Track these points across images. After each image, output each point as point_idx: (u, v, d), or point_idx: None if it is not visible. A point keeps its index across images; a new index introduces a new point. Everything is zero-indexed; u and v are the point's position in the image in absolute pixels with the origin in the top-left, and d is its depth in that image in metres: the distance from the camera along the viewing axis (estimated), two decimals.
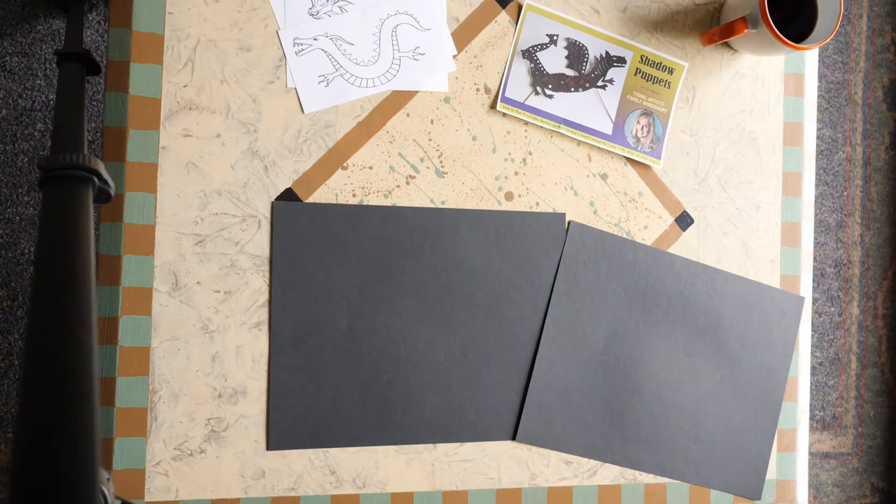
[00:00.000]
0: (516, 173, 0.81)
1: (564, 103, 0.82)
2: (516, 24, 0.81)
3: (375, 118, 0.78)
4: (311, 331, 0.76)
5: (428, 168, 0.79)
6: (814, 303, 1.73)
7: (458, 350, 0.79)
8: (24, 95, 1.35)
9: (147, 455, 0.73)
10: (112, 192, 0.60)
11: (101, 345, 0.72)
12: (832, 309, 1.74)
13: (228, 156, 0.75)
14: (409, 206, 0.79)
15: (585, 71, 0.83)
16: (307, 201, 0.77)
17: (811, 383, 1.73)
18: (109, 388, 0.72)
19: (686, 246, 0.85)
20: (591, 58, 0.83)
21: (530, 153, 0.82)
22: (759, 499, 0.86)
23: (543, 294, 0.81)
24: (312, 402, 0.76)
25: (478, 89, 0.80)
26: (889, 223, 1.77)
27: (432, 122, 0.79)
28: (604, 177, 0.83)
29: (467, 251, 0.80)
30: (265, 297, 0.76)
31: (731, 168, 0.86)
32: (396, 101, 0.79)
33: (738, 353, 0.86)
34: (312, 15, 0.77)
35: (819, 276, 1.73)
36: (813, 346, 1.74)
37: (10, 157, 1.35)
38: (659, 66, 0.84)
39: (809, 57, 0.89)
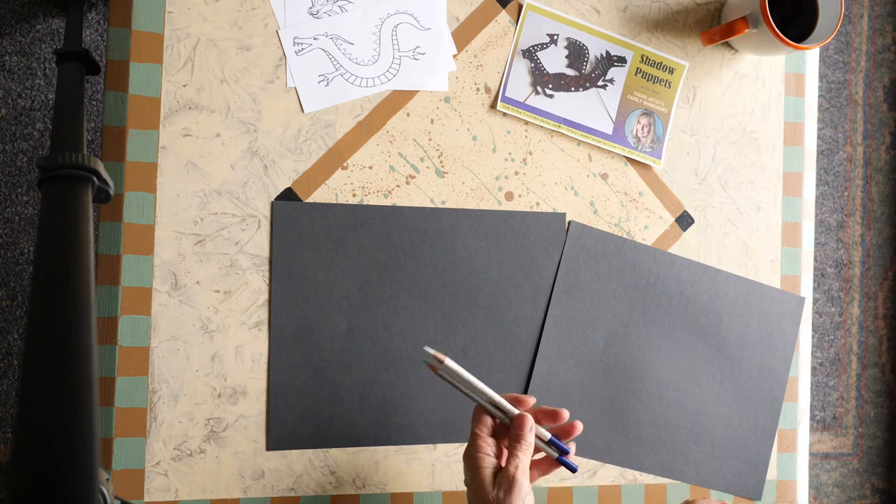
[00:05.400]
0: (516, 173, 0.81)
1: (565, 103, 0.82)
2: (516, 23, 0.81)
3: (375, 118, 0.78)
4: (310, 330, 0.76)
5: (428, 168, 0.79)
6: (814, 303, 1.73)
7: (459, 350, 0.79)
8: (24, 95, 1.35)
9: (146, 455, 0.72)
10: (111, 191, 0.59)
11: (100, 344, 0.72)
12: (833, 309, 1.74)
13: (228, 155, 0.75)
14: (409, 205, 0.79)
15: (586, 70, 0.82)
16: (307, 201, 0.76)
17: (811, 384, 1.73)
18: (109, 388, 0.72)
19: (686, 246, 0.85)
20: (592, 57, 0.82)
21: (530, 153, 0.81)
22: (759, 499, 0.86)
23: (543, 294, 0.81)
24: (312, 402, 0.76)
25: (478, 89, 0.80)
26: (890, 223, 1.77)
27: (432, 121, 0.79)
28: (604, 177, 0.83)
29: (467, 251, 0.80)
30: (265, 296, 0.75)
31: (731, 168, 0.86)
32: (396, 100, 0.78)
33: (739, 353, 0.85)
34: (312, 14, 0.77)
35: (819, 276, 1.73)
36: (813, 346, 1.74)
37: (9, 157, 1.35)
38: (659, 65, 0.84)
39: (810, 57, 0.89)
